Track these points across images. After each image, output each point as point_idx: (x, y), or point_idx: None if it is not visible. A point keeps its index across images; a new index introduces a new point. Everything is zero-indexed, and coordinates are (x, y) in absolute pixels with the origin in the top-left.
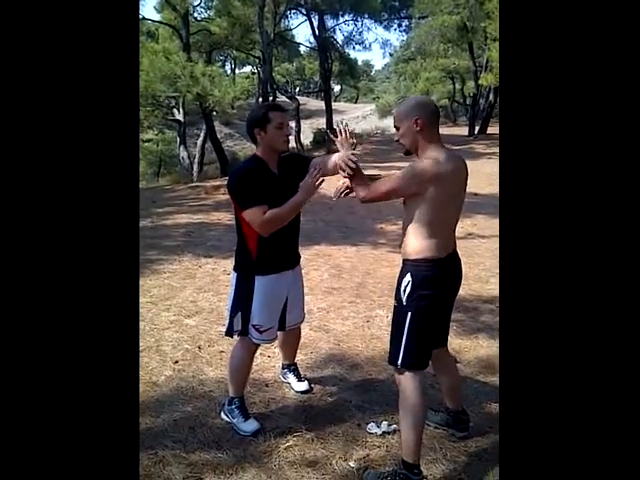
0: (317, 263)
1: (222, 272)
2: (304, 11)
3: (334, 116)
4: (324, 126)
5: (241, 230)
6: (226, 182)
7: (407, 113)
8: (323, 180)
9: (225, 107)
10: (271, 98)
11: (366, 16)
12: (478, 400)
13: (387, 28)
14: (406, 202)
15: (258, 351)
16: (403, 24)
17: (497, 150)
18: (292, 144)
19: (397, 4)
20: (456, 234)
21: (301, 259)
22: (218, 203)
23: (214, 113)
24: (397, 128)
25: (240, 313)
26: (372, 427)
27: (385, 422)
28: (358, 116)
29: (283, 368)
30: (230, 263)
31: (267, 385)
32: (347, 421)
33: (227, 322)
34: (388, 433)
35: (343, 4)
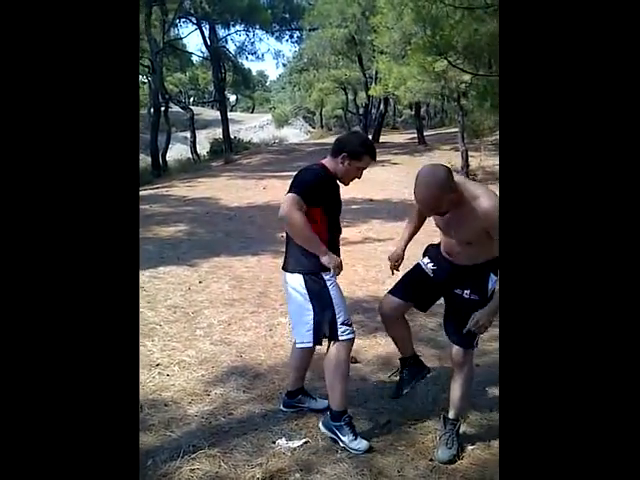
0: (217, 275)
1: None
2: (194, 20)
3: (230, 126)
4: (221, 136)
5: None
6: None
7: (438, 196)
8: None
9: None
10: (163, 108)
11: (257, 27)
12: (374, 397)
13: (279, 39)
14: None
15: (156, 370)
16: (295, 35)
17: (390, 158)
18: (188, 154)
19: (287, 16)
20: (353, 238)
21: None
22: None
23: None
24: (439, 212)
25: (324, 315)
26: (282, 442)
27: (298, 439)
28: (255, 126)
29: (294, 395)
30: None
31: (166, 405)
32: (252, 432)
33: (310, 330)
34: (299, 447)
35: (234, 14)
